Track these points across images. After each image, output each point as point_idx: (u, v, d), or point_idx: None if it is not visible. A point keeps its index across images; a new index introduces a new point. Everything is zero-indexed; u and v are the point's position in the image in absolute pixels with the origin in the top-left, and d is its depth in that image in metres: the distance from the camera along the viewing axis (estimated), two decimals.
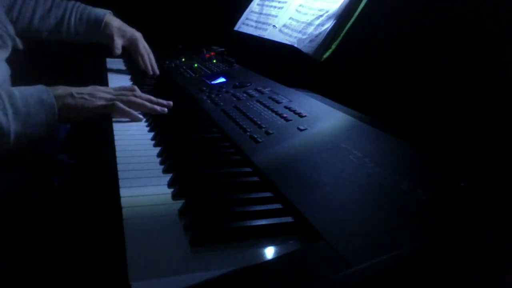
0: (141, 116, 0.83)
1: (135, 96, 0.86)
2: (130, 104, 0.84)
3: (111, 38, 1.21)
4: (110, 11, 1.25)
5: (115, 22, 1.23)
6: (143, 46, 1.27)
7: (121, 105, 0.81)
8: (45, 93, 0.75)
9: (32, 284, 0.61)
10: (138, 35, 1.26)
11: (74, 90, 0.80)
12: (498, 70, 0.57)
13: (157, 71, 1.28)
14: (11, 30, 0.99)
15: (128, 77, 1.25)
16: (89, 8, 1.22)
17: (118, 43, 1.22)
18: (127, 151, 0.67)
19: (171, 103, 0.88)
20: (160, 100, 0.88)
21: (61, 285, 0.62)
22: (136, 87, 0.89)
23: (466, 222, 0.39)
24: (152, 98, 0.87)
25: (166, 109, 0.87)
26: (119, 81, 1.19)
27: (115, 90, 0.87)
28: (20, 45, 1.01)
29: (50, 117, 0.74)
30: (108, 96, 0.83)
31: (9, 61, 1.01)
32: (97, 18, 1.21)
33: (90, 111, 0.80)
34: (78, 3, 1.22)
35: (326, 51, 0.85)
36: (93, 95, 0.81)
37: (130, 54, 1.28)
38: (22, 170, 0.78)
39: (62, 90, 0.79)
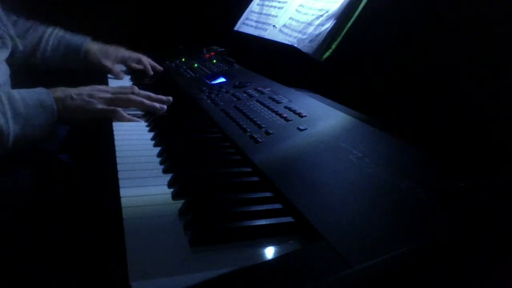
0: (141, 122, 0.83)
1: (134, 93, 0.86)
2: (129, 102, 0.84)
3: (98, 64, 1.18)
4: (90, 38, 1.21)
5: (95, 46, 1.20)
6: (130, 56, 1.26)
7: (121, 112, 0.82)
8: (45, 96, 0.75)
9: (32, 284, 0.61)
10: (122, 50, 1.25)
11: (73, 91, 0.80)
12: (498, 70, 0.57)
13: (160, 67, 1.28)
14: (11, 30, 0.99)
15: (128, 77, 1.25)
16: (69, 35, 1.19)
17: (110, 65, 1.19)
18: (127, 151, 0.67)
19: (170, 98, 0.89)
20: (160, 96, 0.88)
21: (61, 285, 0.62)
22: (135, 87, 0.89)
23: (466, 222, 0.39)
24: (152, 94, 0.88)
25: (165, 107, 0.87)
26: (119, 81, 1.19)
27: (113, 89, 0.87)
28: (20, 46, 1.01)
29: (49, 120, 0.75)
30: (108, 95, 0.83)
31: (8, 61, 1.01)
32: (77, 46, 1.17)
33: (90, 113, 0.80)
34: (57, 30, 1.18)
35: (326, 51, 0.85)
36: (92, 95, 0.81)
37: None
38: (22, 171, 0.78)
39: (61, 92, 0.79)
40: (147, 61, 1.27)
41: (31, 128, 0.72)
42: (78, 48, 1.18)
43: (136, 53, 1.28)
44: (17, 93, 0.73)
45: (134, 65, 1.27)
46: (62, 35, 1.18)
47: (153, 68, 1.28)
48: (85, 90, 0.82)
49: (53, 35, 1.16)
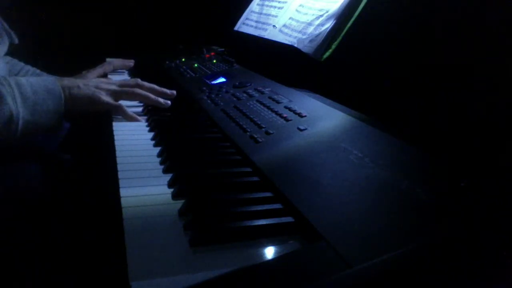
0: (141, 119, 0.84)
1: (138, 85, 0.87)
2: (134, 95, 0.86)
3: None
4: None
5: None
6: (102, 66, 1.21)
7: (125, 108, 0.83)
8: (52, 83, 0.77)
9: (32, 284, 0.61)
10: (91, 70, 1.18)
11: (80, 81, 0.82)
12: (498, 70, 0.57)
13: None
14: (6, 25, 0.99)
15: (128, 78, 1.25)
16: (45, 74, 1.12)
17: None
18: (127, 151, 0.67)
19: (174, 92, 0.90)
20: (164, 89, 0.90)
21: (61, 285, 0.62)
22: (138, 79, 0.90)
23: (466, 222, 0.39)
24: (156, 87, 0.89)
25: (169, 102, 0.88)
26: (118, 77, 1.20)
27: (119, 82, 0.89)
28: (15, 40, 1.01)
29: (57, 106, 0.76)
30: (113, 87, 0.85)
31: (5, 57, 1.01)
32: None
33: (95, 105, 0.81)
34: (35, 68, 1.13)
35: (326, 51, 0.85)
36: (99, 86, 0.83)
37: (130, 55, 1.28)
38: (22, 170, 0.78)
39: (68, 81, 0.81)
40: (116, 60, 1.27)
41: (39, 114, 0.73)
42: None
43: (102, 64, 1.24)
44: (25, 80, 0.74)
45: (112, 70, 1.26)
46: (39, 73, 1.13)
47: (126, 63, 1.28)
48: (91, 81, 0.84)
49: (31, 71, 1.13)
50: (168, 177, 0.57)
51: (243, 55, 1.19)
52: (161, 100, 0.87)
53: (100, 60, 1.39)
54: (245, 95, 0.86)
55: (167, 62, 1.34)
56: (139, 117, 0.84)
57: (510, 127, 0.54)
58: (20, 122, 0.70)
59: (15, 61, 1.11)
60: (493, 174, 0.47)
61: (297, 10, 1.03)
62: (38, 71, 1.15)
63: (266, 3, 1.20)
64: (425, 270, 0.37)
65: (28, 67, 1.14)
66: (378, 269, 0.35)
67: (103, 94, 0.82)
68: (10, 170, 0.75)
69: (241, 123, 0.72)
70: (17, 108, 0.70)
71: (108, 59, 1.38)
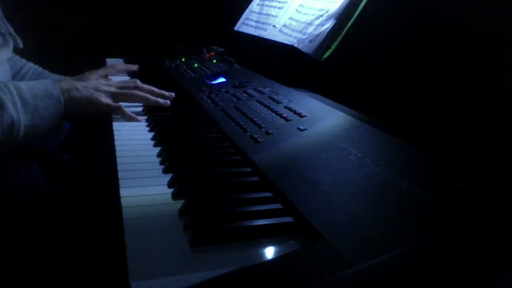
0: (141, 119, 0.84)
1: (137, 87, 0.87)
2: (133, 97, 0.86)
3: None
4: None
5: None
6: (105, 69, 1.16)
7: (124, 109, 0.83)
8: (52, 86, 0.77)
9: (32, 284, 0.61)
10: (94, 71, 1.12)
11: (79, 83, 0.82)
12: (498, 70, 0.57)
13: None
14: (11, 29, 0.99)
15: (128, 78, 1.25)
16: (47, 72, 1.12)
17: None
18: (127, 151, 0.67)
19: (173, 94, 0.91)
20: (163, 92, 0.90)
21: (61, 285, 0.62)
22: (137, 80, 0.90)
23: (466, 222, 0.39)
24: (155, 89, 0.89)
25: (168, 102, 0.89)
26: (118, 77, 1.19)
27: (118, 83, 0.89)
28: (20, 44, 1.01)
29: (57, 110, 0.76)
30: (113, 89, 0.85)
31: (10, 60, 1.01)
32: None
33: (95, 106, 0.81)
34: (37, 66, 1.11)
35: (326, 51, 0.85)
36: (98, 88, 0.83)
37: (130, 55, 1.28)
38: (22, 170, 0.78)
39: (67, 83, 0.81)
40: (120, 65, 1.27)
41: (40, 118, 0.73)
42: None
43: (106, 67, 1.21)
44: (24, 84, 0.74)
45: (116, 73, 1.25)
46: (41, 71, 1.12)
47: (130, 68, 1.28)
48: (91, 83, 0.84)
49: (33, 69, 1.11)
50: (168, 177, 0.57)
51: (243, 55, 1.19)
52: (160, 100, 0.88)
53: (100, 60, 1.39)
54: (245, 95, 0.86)
55: (167, 62, 1.34)
56: (138, 117, 0.84)
57: (510, 127, 0.54)
58: (22, 127, 0.70)
59: (17, 57, 1.11)
60: (493, 174, 0.47)
61: (297, 10, 1.03)
62: (40, 69, 1.14)
63: (266, 3, 1.20)
64: (425, 270, 0.37)
65: (30, 64, 1.13)
66: (378, 269, 0.35)
67: (103, 95, 0.82)
68: (10, 170, 0.75)
69: (241, 123, 0.72)
70: (18, 113, 0.69)
71: (108, 60, 1.38)
